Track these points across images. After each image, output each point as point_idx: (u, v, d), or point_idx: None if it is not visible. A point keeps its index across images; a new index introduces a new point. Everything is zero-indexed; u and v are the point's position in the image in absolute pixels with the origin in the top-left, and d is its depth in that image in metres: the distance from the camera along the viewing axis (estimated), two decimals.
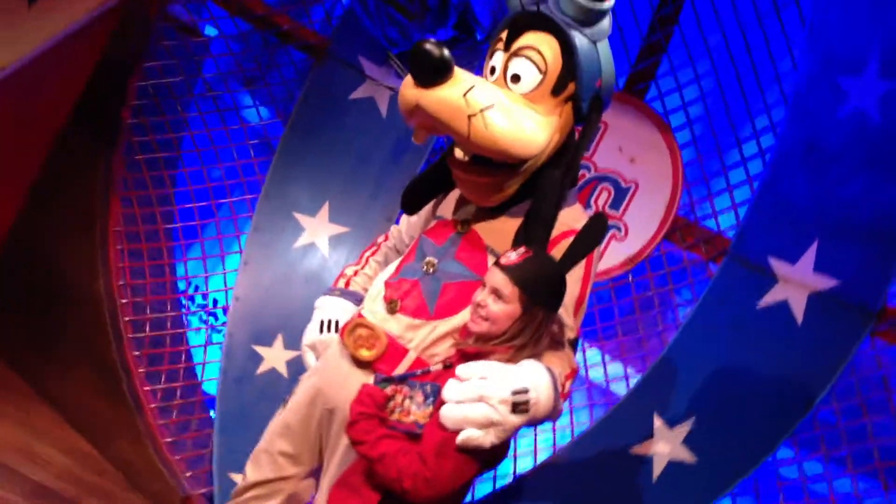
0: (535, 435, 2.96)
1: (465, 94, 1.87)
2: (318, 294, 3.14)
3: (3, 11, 3.00)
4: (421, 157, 3.26)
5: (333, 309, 2.27)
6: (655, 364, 2.84)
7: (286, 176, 3.31)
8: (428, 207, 2.24)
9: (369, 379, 2.01)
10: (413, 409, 1.91)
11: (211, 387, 3.13)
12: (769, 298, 2.70)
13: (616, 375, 3.00)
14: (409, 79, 1.92)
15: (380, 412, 1.91)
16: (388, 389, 1.94)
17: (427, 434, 1.86)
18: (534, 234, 2.00)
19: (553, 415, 1.95)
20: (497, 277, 1.89)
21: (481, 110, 1.88)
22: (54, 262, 3.22)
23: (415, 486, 1.82)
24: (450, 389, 1.84)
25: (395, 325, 2.03)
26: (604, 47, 2.05)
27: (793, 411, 2.53)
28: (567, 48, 1.98)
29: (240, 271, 3.25)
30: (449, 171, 2.09)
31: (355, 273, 2.36)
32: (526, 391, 1.84)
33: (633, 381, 2.89)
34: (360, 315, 2.10)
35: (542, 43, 1.99)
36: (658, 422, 2.72)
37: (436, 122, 1.92)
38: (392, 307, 2.05)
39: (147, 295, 3.20)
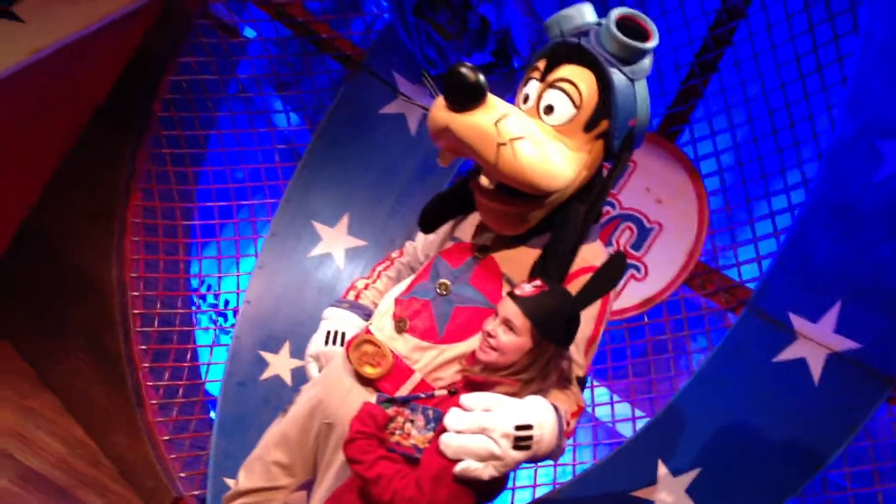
0: (536, 469, 2.92)
1: (496, 122, 1.84)
2: (328, 306, 3.16)
3: None
4: (446, 178, 3.25)
5: (341, 321, 2.25)
6: (664, 409, 2.81)
7: (309, 184, 3.30)
8: (446, 228, 2.21)
9: (371, 397, 1.98)
10: (413, 433, 1.88)
11: (214, 388, 3.09)
12: (787, 354, 2.67)
13: (623, 416, 2.97)
14: (440, 100, 1.89)
15: (379, 432, 1.87)
16: (391, 410, 1.90)
17: (425, 460, 1.83)
18: (551, 267, 1.97)
19: (556, 453, 1.91)
20: (510, 308, 1.86)
21: (511, 140, 1.85)
22: (69, 248, 3.20)
23: None
24: (452, 418, 1.81)
25: (402, 345, 2.00)
26: (641, 87, 2.01)
27: (801, 471, 2.50)
28: (604, 85, 1.95)
29: (253, 275, 3.23)
30: (471, 194, 2.07)
31: (366, 286, 2.33)
32: (530, 427, 1.80)
33: (641, 424, 2.87)
34: (367, 331, 2.06)
35: (579, 77, 1.95)
36: (662, 469, 2.69)
37: (464, 147, 1.89)
38: (401, 326, 2.01)
39: (159, 289, 3.18)
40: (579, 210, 1.98)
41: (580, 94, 1.94)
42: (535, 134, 1.90)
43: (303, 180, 3.31)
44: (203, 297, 3.31)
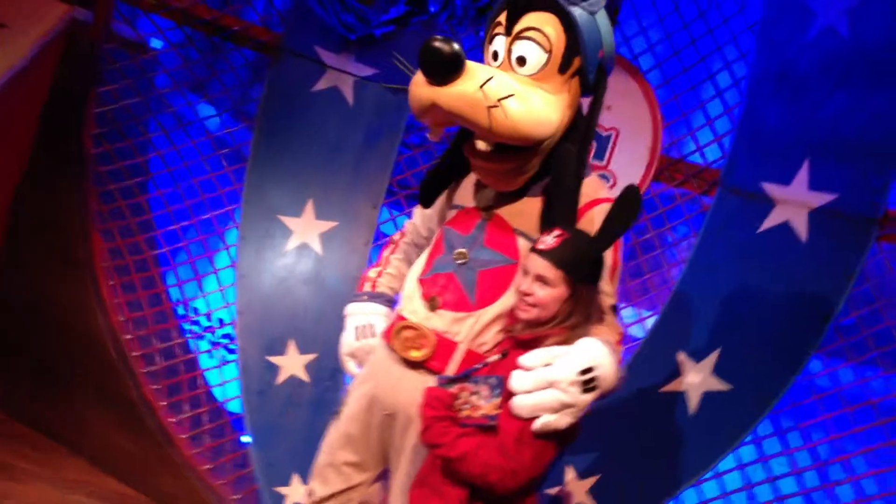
0: None
1: (481, 87, 1.86)
2: (319, 294, 3.16)
3: None
4: (395, 140, 3.25)
5: (365, 314, 2.28)
6: (668, 302, 2.92)
7: (263, 180, 3.25)
8: (441, 198, 2.23)
9: (422, 379, 2.03)
10: (481, 404, 1.92)
11: (235, 405, 3.09)
12: (769, 222, 2.78)
13: (631, 319, 3.07)
14: (418, 77, 1.89)
15: (450, 412, 1.92)
16: (454, 388, 1.95)
17: (502, 426, 1.89)
18: (560, 211, 2.01)
19: (618, 385, 1.99)
20: (539, 263, 1.91)
21: (499, 100, 1.87)
22: (46, 309, 3.11)
23: (501, 478, 1.85)
24: (518, 380, 1.87)
25: (440, 321, 2.04)
26: (602, 17, 2.06)
27: (813, 327, 2.62)
28: (569, 25, 1.98)
29: (237, 285, 3.20)
30: (461, 160, 2.09)
31: (379, 274, 2.35)
32: (591, 369, 1.88)
33: (650, 323, 2.98)
34: (401, 317, 2.10)
35: (544, 22, 1.98)
36: (682, 357, 2.80)
37: (454, 118, 1.91)
38: (433, 304, 2.05)
39: (150, 326, 3.12)
40: (571, 150, 2.03)
41: (548, 40, 1.97)
42: (519, 88, 1.92)
43: (256, 178, 3.26)
44: (196, 322, 3.26)
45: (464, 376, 1.96)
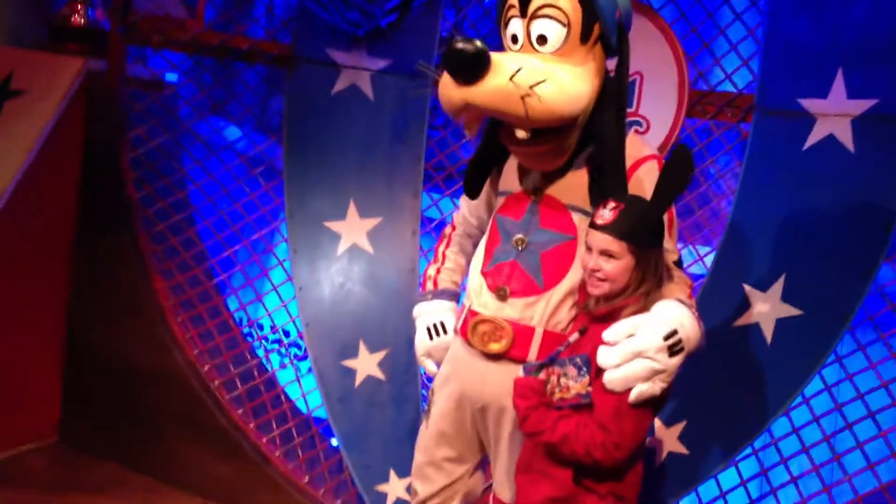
0: None
1: (511, 78, 1.86)
2: (378, 291, 3.20)
3: None
4: (422, 125, 3.25)
5: (434, 312, 2.32)
6: (724, 235, 2.89)
7: (302, 191, 3.29)
8: (486, 186, 2.24)
9: (507, 369, 2.06)
10: (571, 384, 1.95)
11: (321, 413, 3.16)
12: (813, 138, 2.73)
13: (689, 260, 3.05)
14: (447, 80, 1.90)
15: (543, 399, 1.96)
16: (542, 375, 1.98)
17: (597, 402, 1.92)
18: (612, 182, 2.01)
19: (702, 340, 2.01)
20: (601, 238, 1.92)
21: (532, 88, 1.87)
22: (123, 354, 3.20)
23: (606, 453, 1.89)
24: (605, 356, 1.89)
25: (512, 310, 2.07)
26: None
27: (876, 236, 2.59)
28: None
29: (298, 298, 3.26)
30: (498, 147, 2.10)
31: (438, 272, 2.38)
32: (675, 332, 1.89)
33: (709, 260, 2.96)
34: (473, 312, 2.12)
35: None
36: (748, 288, 2.79)
37: (491, 113, 1.93)
38: (502, 294, 2.08)
39: (224, 353, 3.20)
40: (608, 117, 2.02)
41: (564, 14, 1.96)
42: (547, 70, 1.91)
43: (295, 190, 3.30)
44: (264, 339, 3.34)
45: (549, 361, 1.98)
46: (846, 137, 2.67)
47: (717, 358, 2.80)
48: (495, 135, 2.08)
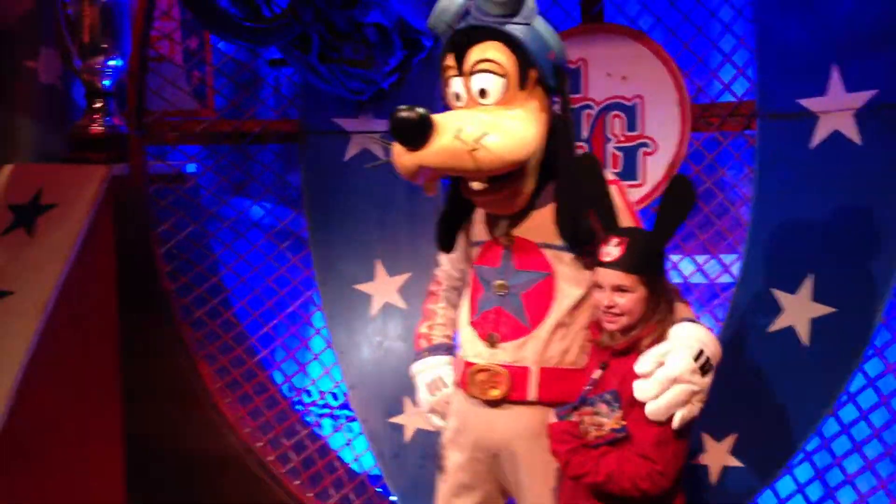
0: None
1: (457, 137, 1.95)
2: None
3: (8, 246, 3.09)
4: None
5: (431, 368, 2.39)
6: (747, 242, 2.91)
7: (329, 258, 3.37)
8: (460, 239, 2.34)
9: (511, 412, 2.14)
10: (604, 421, 1.99)
11: (377, 471, 3.21)
12: (819, 135, 2.75)
13: (715, 271, 3.06)
14: (398, 147, 2.00)
15: (580, 440, 1.99)
16: (574, 417, 2.01)
17: (636, 434, 1.95)
18: (605, 219, 2.09)
19: (720, 349, 2.04)
20: (612, 275, 1.99)
21: (477, 140, 1.95)
22: (179, 442, 3.28)
23: (653, 483, 1.92)
24: (643, 389, 1.94)
25: (505, 355, 2.14)
26: (539, 23, 2.14)
27: (894, 225, 2.59)
28: (512, 44, 2.07)
29: (340, 363, 3.32)
30: (463, 200, 2.20)
31: (430, 328, 2.46)
32: (702, 352, 1.93)
33: (736, 268, 2.96)
34: (468, 363, 2.19)
35: (489, 51, 2.07)
36: (778, 293, 2.79)
37: (444, 171, 2.04)
38: (492, 341, 2.15)
39: (275, 427, 3.27)
40: (561, 153, 2.13)
41: (499, 65, 2.07)
42: (490, 121, 2.01)
43: (323, 258, 3.38)
44: (311, 406, 3.41)
45: (579, 403, 2.02)
46: (851, 131, 2.68)
47: (758, 366, 2.81)
48: (457, 189, 2.17)
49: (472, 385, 2.15)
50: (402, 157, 1.99)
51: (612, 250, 1.98)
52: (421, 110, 1.95)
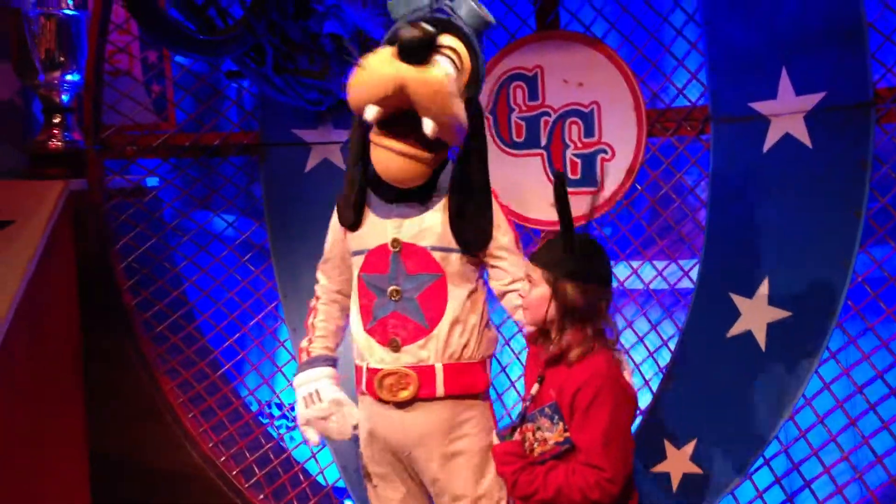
0: (638, 367, 3.02)
1: (447, 76, 2.05)
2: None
3: None
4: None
5: (309, 381, 2.38)
6: (705, 246, 2.91)
7: (292, 270, 3.36)
8: (338, 251, 2.38)
9: (420, 410, 2.19)
10: (547, 435, 1.98)
11: (342, 483, 3.19)
12: (771, 139, 2.75)
13: (675, 276, 3.06)
14: (384, 56, 2.00)
15: (525, 459, 1.99)
16: (516, 436, 2.00)
17: (580, 443, 1.94)
18: (477, 221, 2.23)
19: None
20: (525, 265, 2.09)
21: (459, 92, 2.10)
22: (142, 457, 3.25)
23: (602, 491, 1.92)
24: None
25: (408, 357, 2.20)
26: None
27: (847, 226, 2.58)
28: (474, 55, 2.16)
29: None
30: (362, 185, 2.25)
31: (309, 342, 2.45)
32: None
33: (694, 274, 2.96)
34: (373, 370, 2.23)
35: (459, 46, 2.13)
36: (736, 297, 2.79)
37: (418, 99, 2.01)
38: (394, 345, 2.20)
39: (239, 441, 3.25)
40: (475, 164, 2.24)
41: (461, 60, 2.13)
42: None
43: (285, 270, 3.38)
44: (277, 420, 3.39)
45: (519, 421, 2.01)
46: (802, 133, 2.69)
47: (717, 371, 2.81)
48: (363, 169, 2.22)
49: (381, 389, 2.20)
50: (387, 68, 1.98)
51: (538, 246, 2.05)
52: (431, 29, 1.99)
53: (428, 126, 2.04)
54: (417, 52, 1.96)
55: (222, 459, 3.21)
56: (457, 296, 2.20)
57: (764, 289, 2.73)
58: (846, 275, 2.56)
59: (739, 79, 2.81)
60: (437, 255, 2.20)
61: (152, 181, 3.52)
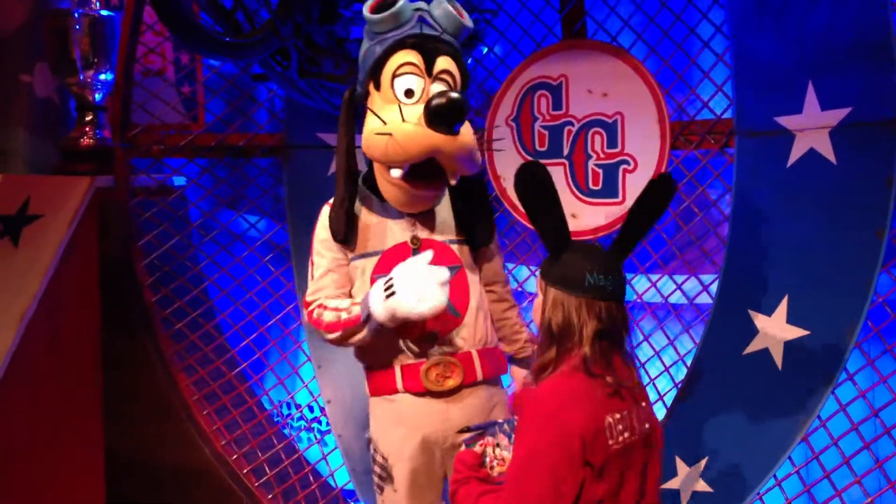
0: (653, 381, 2.98)
1: (472, 133, 2.18)
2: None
3: None
4: None
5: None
6: (725, 262, 2.86)
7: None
8: (335, 265, 2.31)
9: (463, 398, 2.23)
10: (506, 455, 1.92)
11: (351, 486, 3.19)
12: (795, 154, 2.70)
13: (694, 290, 3.01)
14: (420, 129, 2.06)
15: (476, 473, 1.90)
16: (478, 447, 1.96)
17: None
18: (484, 215, 2.32)
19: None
20: None
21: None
22: (157, 453, 3.28)
23: None
24: None
25: (448, 346, 2.24)
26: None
27: (870, 244, 2.52)
28: (463, 70, 2.21)
29: (318, 377, 3.33)
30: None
31: (350, 306, 2.27)
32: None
33: (714, 287, 2.91)
34: (412, 366, 2.23)
35: (453, 67, 2.19)
36: (754, 315, 2.74)
37: (452, 160, 2.13)
38: (433, 338, 2.22)
39: (252, 440, 3.27)
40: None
41: (455, 82, 2.20)
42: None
43: (304, 271, 3.36)
44: (288, 424, 3.40)
45: (481, 430, 1.98)
46: (826, 149, 2.63)
47: (732, 388, 2.76)
48: (352, 181, 2.25)
49: (427, 381, 2.21)
50: (420, 136, 2.06)
51: None
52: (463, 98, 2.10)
53: (453, 180, 2.16)
54: (450, 121, 2.05)
55: (234, 458, 3.23)
56: (475, 284, 2.28)
57: (783, 306, 2.68)
58: (867, 295, 2.50)
59: (765, 92, 2.77)
60: (454, 247, 2.26)
61: (180, 181, 3.57)
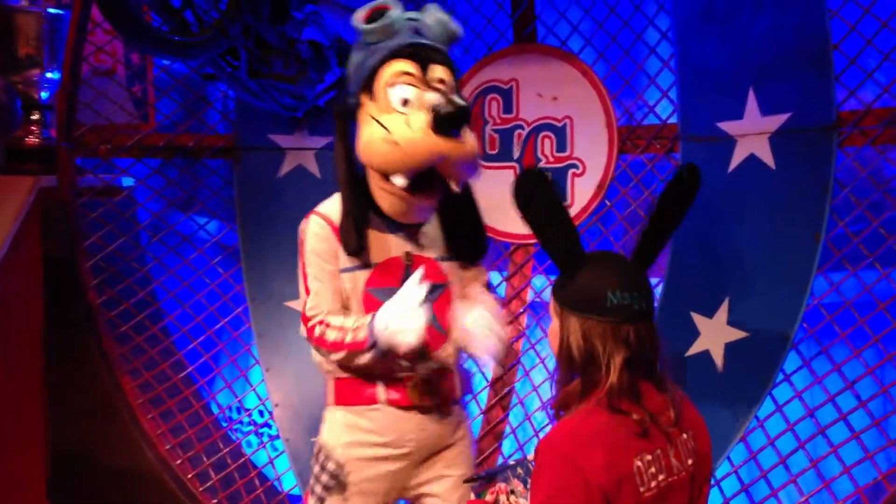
0: None
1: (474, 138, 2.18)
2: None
3: None
4: None
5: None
6: (668, 265, 2.89)
7: (261, 274, 3.35)
8: (335, 271, 2.21)
9: (439, 415, 2.22)
10: (522, 501, 1.81)
11: (297, 490, 3.17)
12: (736, 159, 2.76)
13: None
14: (424, 132, 2.03)
15: None
16: (489, 497, 1.85)
17: None
18: (476, 233, 2.30)
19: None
20: None
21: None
22: (99, 455, 3.22)
23: None
24: None
25: (433, 363, 2.20)
26: None
27: (807, 248, 2.57)
28: (455, 78, 2.19)
29: (266, 380, 3.30)
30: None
31: (355, 326, 2.20)
32: None
33: (659, 289, 2.94)
34: (400, 381, 2.20)
35: (448, 76, 2.16)
36: (696, 316, 2.78)
37: (453, 165, 2.10)
38: (423, 353, 2.15)
39: (197, 445, 3.22)
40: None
41: (451, 91, 2.16)
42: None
43: (254, 274, 3.37)
44: (236, 428, 3.37)
45: (491, 476, 1.90)
46: (766, 155, 2.68)
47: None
48: (357, 193, 2.18)
49: (413, 395, 2.20)
50: (426, 142, 2.04)
51: None
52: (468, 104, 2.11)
53: (456, 187, 2.15)
54: (455, 126, 2.05)
55: (178, 462, 3.18)
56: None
57: (724, 309, 2.71)
58: (803, 297, 2.54)
59: (708, 98, 2.81)
60: (443, 264, 2.24)
61: (128, 181, 3.52)
